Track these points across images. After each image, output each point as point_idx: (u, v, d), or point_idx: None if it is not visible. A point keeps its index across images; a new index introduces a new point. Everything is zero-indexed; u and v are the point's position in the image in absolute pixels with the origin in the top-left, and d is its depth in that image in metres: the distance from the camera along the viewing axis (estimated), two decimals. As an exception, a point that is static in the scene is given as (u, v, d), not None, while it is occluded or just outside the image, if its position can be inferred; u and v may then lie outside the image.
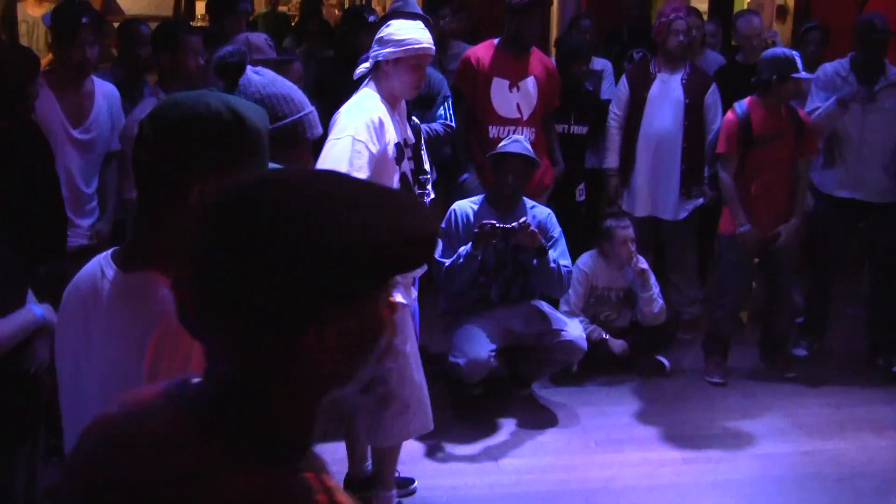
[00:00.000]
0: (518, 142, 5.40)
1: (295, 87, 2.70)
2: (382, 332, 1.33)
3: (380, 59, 3.95)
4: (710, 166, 6.08)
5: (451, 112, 5.58)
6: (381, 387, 3.87)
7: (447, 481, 4.67)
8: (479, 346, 5.18)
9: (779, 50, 5.86)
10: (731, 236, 5.80)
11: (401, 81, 3.98)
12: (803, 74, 5.65)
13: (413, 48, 3.93)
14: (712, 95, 6.22)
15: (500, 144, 5.41)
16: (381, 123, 3.87)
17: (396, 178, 3.97)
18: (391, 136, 3.93)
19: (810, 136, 5.81)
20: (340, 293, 1.25)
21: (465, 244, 5.16)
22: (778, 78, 5.59)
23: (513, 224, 5.07)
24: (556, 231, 5.40)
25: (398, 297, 3.74)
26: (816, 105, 5.93)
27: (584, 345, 5.37)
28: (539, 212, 5.42)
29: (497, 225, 5.08)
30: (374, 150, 3.79)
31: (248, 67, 2.67)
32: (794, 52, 5.71)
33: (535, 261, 5.23)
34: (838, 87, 5.93)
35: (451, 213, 5.37)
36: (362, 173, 3.66)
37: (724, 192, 5.78)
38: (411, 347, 4.08)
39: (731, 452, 5.05)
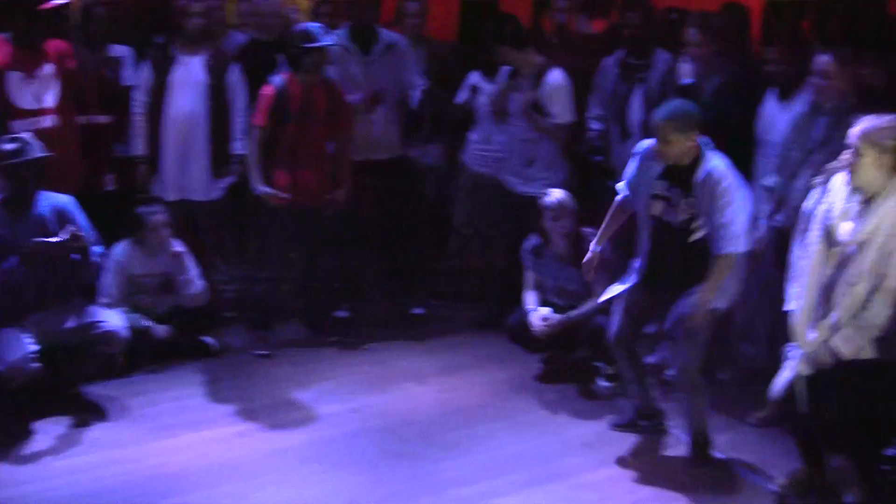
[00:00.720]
0: (33, 146, 5.11)
1: None
2: None
3: None
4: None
5: None
6: None
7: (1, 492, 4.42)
8: (17, 350, 4.89)
9: (304, 24, 6.01)
10: (273, 207, 5.91)
11: None
12: (321, 42, 5.79)
13: None
14: (234, 75, 6.28)
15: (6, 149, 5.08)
16: None
17: None
18: None
19: (345, 111, 6.04)
20: None
21: None
22: (300, 50, 5.75)
23: (60, 237, 4.93)
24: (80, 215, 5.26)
25: None
26: None
27: (126, 333, 5.24)
28: (58, 199, 5.21)
29: (43, 241, 4.91)
30: None
31: None
32: (314, 24, 5.90)
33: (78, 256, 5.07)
34: None
35: None
36: None
37: (249, 158, 5.90)
38: None
39: (282, 421, 5.18)
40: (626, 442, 5.00)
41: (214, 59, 6.23)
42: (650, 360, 5.87)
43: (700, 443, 4.82)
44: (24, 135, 5.17)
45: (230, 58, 6.34)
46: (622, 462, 4.80)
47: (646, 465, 4.79)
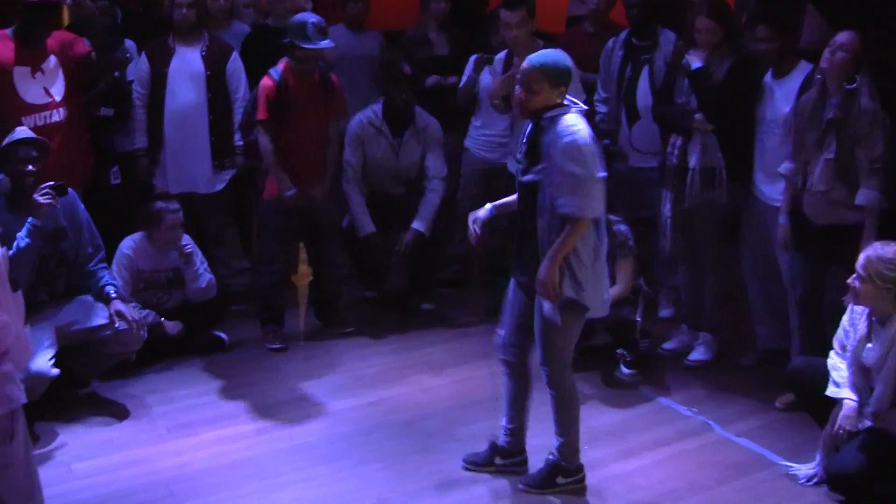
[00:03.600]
0: (19, 130, 5.02)
1: None
2: None
3: None
4: (245, 135, 6.02)
5: None
6: None
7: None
8: (36, 356, 4.72)
9: (302, 15, 5.74)
10: (272, 202, 5.81)
11: None
12: (311, 45, 5.56)
13: None
14: (233, 64, 6.18)
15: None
16: None
17: None
18: None
19: (339, 100, 5.94)
20: None
21: None
22: (291, 44, 5.63)
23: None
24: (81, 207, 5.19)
25: None
26: None
27: (144, 333, 5.13)
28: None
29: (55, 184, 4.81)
30: None
31: None
32: (312, 18, 5.64)
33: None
34: None
35: None
36: None
37: (266, 159, 5.75)
38: None
39: (301, 417, 5.11)
40: (652, 431, 4.95)
41: (211, 50, 6.13)
42: (668, 346, 5.85)
43: (556, 464, 4.37)
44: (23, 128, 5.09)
45: (229, 48, 6.24)
46: (650, 451, 4.75)
47: (675, 452, 4.73)
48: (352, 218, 6.34)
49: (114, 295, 5.04)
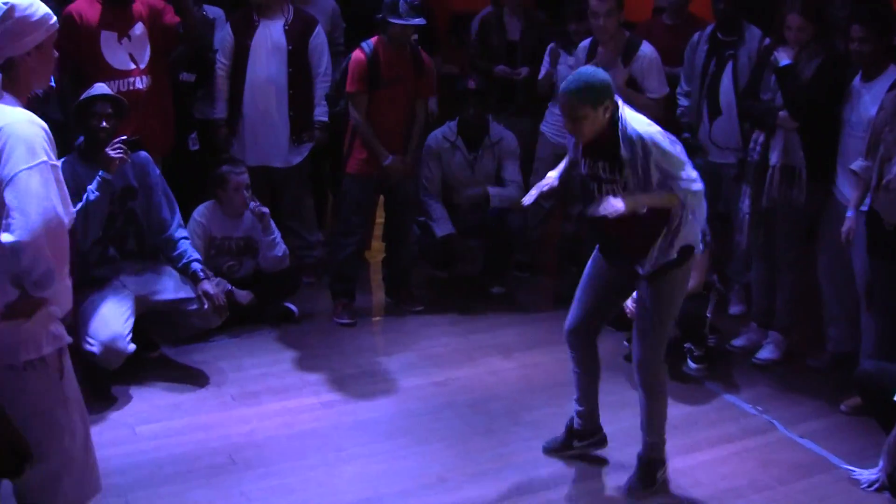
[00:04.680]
0: (97, 86, 5.08)
1: None
2: None
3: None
4: (333, 105, 6.11)
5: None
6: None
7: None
8: (111, 324, 4.84)
9: None
10: (355, 175, 5.85)
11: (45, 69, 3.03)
12: (402, 21, 5.62)
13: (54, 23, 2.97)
14: (316, 38, 6.21)
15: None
16: None
17: None
18: None
19: (430, 78, 5.96)
20: None
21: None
22: (383, 19, 5.66)
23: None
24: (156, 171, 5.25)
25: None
26: None
27: (226, 313, 5.21)
28: (137, 157, 5.17)
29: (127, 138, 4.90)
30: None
31: None
32: None
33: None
34: None
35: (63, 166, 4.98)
36: None
37: (359, 131, 5.80)
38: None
39: (367, 392, 5.15)
40: (717, 426, 4.91)
41: (295, 24, 6.16)
42: (737, 343, 5.79)
43: (651, 460, 4.33)
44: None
45: (313, 21, 6.27)
46: (714, 447, 4.71)
47: (738, 450, 4.69)
48: (430, 221, 6.38)
49: (202, 275, 5.09)
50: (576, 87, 3.82)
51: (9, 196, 2.61)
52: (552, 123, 6.63)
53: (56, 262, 2.69)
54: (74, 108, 4.98)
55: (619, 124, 3.86)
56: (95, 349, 4.78)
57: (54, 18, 2.91)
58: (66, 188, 2.79)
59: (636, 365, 4.20)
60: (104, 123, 4.94)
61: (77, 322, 4.78)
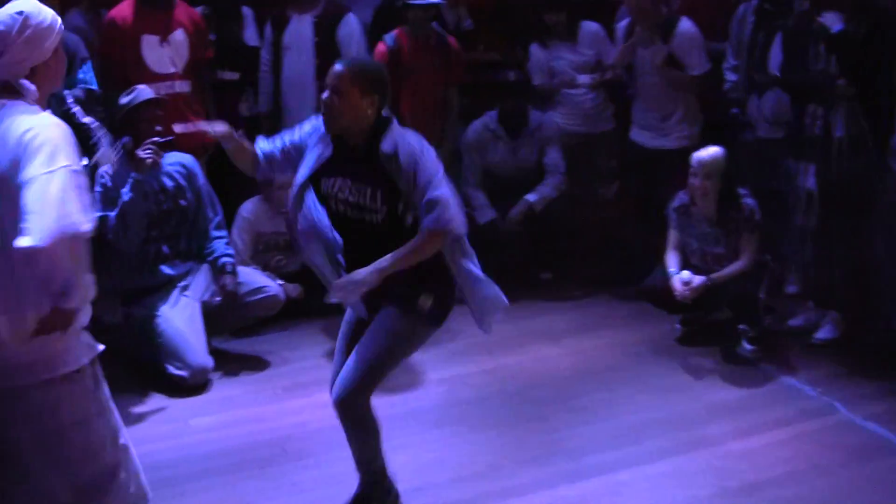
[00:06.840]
0: (142, 90, 5.13)
1: None
2: None
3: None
4: None
5: (92, 74, 5.18)
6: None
7: (137, 449, 4.39)
8: (195, 345, 5.03)
9: None
10: None
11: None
12: (420, 0, 5.63)
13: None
14: (345, 28, 6.09)
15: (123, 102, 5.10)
16: None
17: None
18: None
19: (458, 64, 5.90)
20: None
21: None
22: (404, 5, 5.62)
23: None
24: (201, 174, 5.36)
25: None
26: None
27: (283, 297, 5.34)
28: (182, 157, 5.29)
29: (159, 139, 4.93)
30: None
31: None
32: None
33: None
34: None
35: (98, 176, 5.03)
36: None
37: None
38: None
39: (415, 381, 5.12)
40: (774, 408, 4.80)
41: (325, 15, 6.11)
42: (793, 323, 5.66)
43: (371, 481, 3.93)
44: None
45: (342, 10, 6.18)
46: (771, 430, 4.60)
47: (797, 433, 4.57)
48: (472, 210, 6.29)
49: (229, 269, 5.21)
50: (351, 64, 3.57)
51: (27, 199, 2.57)
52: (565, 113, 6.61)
53: (75, 268, 2.67)
54: (123, 112, 5.03)
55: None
56: (185, 374, 4.95)
57: (59, 20, 2.90)
58: (87, 194, 2.75)
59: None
60: (158, 127, 4.99)
61: (149, 337, 5.01)
